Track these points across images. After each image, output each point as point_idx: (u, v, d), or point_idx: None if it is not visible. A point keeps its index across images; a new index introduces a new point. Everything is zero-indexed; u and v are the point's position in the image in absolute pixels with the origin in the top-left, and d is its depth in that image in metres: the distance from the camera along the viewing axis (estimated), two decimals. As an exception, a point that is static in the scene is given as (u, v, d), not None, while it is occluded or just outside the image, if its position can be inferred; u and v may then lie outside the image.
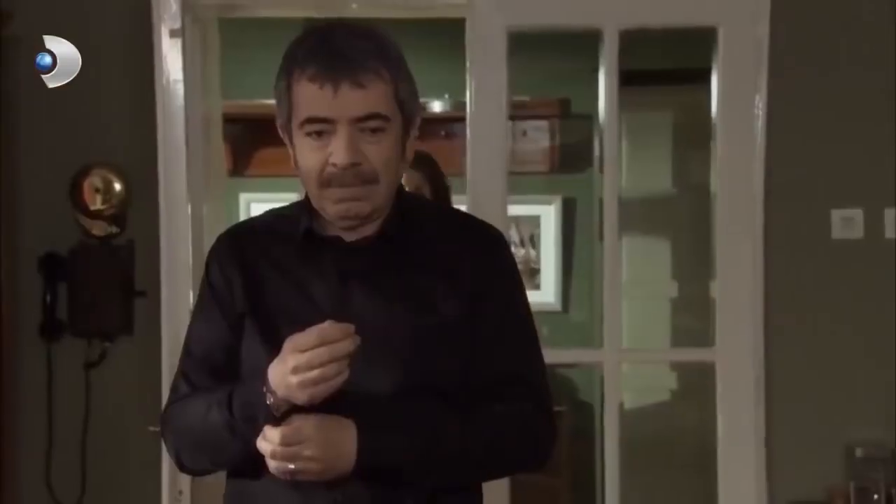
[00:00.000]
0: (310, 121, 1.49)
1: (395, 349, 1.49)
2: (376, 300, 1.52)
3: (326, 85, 1.46)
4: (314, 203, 1.55)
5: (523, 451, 1.56)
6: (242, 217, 3.64)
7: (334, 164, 1.48)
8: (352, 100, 1.47)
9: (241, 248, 1.60)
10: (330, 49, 1.48)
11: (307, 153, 1.50)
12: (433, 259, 1.55)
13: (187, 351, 1.62)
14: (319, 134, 1.49)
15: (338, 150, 1.48)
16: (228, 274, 1.58)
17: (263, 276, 1.57)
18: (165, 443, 1.62)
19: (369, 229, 1.55)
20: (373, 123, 1.49)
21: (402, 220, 1.56)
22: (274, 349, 1.50)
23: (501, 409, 1.53)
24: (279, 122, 1.56)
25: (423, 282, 1.53)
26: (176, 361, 2.54)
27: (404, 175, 1.70)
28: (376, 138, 1.50)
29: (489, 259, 1.58)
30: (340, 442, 1.43)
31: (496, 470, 1.60)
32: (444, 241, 1.57)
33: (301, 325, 1.46)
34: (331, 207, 1.52)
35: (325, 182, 1.50)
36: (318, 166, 1.50)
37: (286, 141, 1.56)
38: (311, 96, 1.47)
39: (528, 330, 1.60)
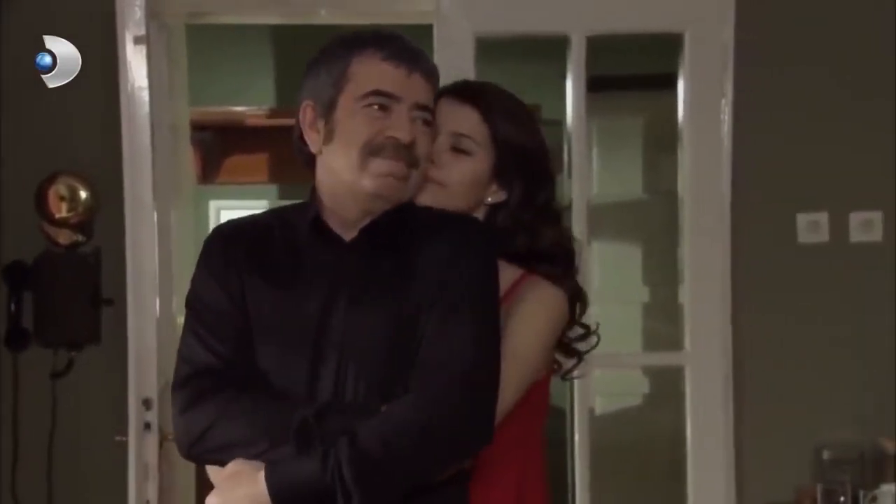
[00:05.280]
0: (377, 93, 1.52)
1: (379, 357, 1.49)
2: (363, 308, 1.51)
3: (402, 66, 1.53)
4: (345, 180, 1.53)
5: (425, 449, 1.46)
6: (212, 225, 3.63)
7: (393, 137, 1.51)
8: (421, 86, 1.55)
9: (240, 243, 1.58)
10: (403, 41, 1.56)
11: (362, 123, 1.52)
12: (426, 271, 1.53)
13: (198, 317, 1.55)
14: (381, 107, 1.52)
15: (401, 126, 1.52)
16: (231, 264, 1.56)
17: (254, 278, 1.55)
18: (191, 405, 1.50)
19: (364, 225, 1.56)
20: (426, 116, 1.56)
21: (395, 222, 1.55)
22: (257, 350, 1.52)
23: (400, 407, 1.45)
24: (310, 104, 1.55)
25: (411, 289, 1.52)
26: (144, 369, 2.58)
27: None
28: (425, 129, 1.57)
29: (460, 252, 1.54)
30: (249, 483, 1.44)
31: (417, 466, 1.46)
32: (435, 251, 1.55)
33: (286, 327, 1.50)
34: (370, 181, 1.52)
35: (376, 150, 1.52)
36: (371, 134, 1.52)
37: (311, 123, 1.55)
38: (385, 72, 1.53)
39: (474, 317, 1.51)
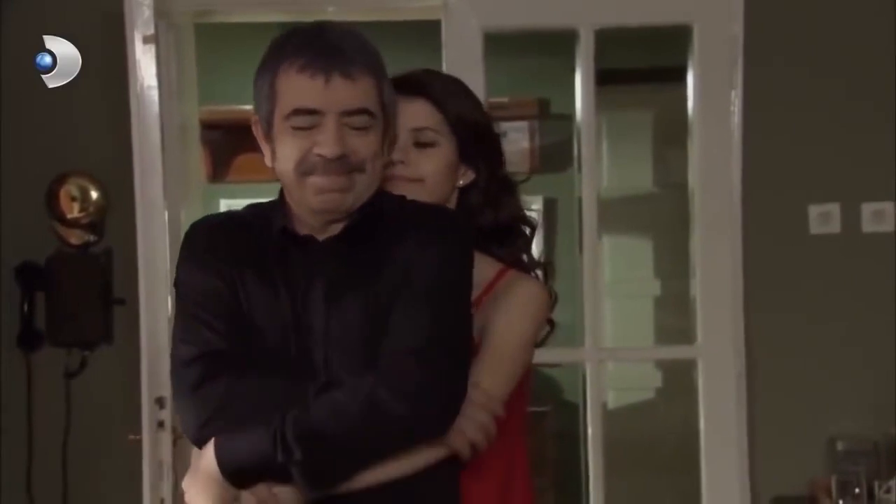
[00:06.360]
0: (297, 112, 1.46)
1: (361, 351, 1.48)
2: (340, 304, 1.50)
3: (318, 75, 1.45)
4: (294, 196, 1.52)
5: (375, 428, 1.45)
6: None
7: (320, 155, 1.46)
8: (343, 92, 1.45)
9: (224, 239, 1.56)
10: (321, 42, 1.47)
11: (289, 144, 1.47)
12: (397, 261, 1.52)
13: (194, 301, 1.52)
14: (305, 128, 1.46)
15: (326, 141, 1.46)
16: (221, 258, 1.55)
17: (242, 274, 1.53)
18: (199, 387, 1.49)
19: (337, 228, 1.54)
20: (360, 120, 1.47)
21: (369, 220, 1.54)
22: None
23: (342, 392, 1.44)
24: (258, 119, 1.53)
25: (386, 284, 1.51)
26: (157, 368, 2.59)
27: None
28: (362, 132, 1.48)
29: (431, 240, 1.52)
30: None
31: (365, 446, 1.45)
32: (405, 240, 1.53)
33: (264, 326, 1.48)
34: (313, 198, 1.49)
35: (308, 170, 1.47)
36: (300, 155, 1.47)
37: (262, 139, 1.54)
38: (301, 87, 1.45)
39: (433, 299, 1.48)
